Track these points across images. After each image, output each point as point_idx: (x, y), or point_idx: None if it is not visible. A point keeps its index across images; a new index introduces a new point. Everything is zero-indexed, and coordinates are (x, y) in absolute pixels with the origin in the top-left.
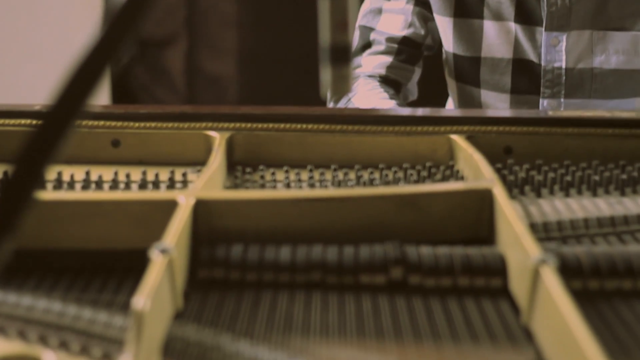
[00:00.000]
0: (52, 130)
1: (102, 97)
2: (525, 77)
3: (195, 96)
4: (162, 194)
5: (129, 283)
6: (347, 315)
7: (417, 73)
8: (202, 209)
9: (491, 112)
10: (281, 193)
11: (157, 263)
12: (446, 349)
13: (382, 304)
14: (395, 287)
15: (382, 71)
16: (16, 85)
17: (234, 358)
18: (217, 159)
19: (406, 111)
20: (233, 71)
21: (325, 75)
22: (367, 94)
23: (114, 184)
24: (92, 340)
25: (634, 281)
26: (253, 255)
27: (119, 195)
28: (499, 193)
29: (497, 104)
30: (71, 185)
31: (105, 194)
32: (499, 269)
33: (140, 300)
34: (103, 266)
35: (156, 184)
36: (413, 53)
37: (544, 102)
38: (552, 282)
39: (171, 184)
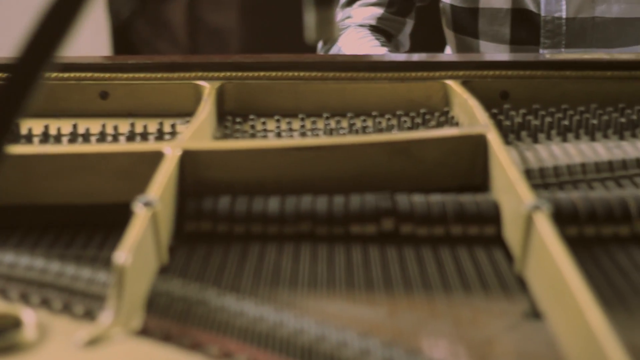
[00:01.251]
0: (19, 83)
1: (103, 52)
2: (525, 27)
3: (198, 49)
4: (148, 145)
5: (114, 238)
6: (337, 267)
7: (409, 25)
8: (188, 160)
9: (487, 57)
10: (269, 142)
11: (140, 216)
12: (438, 300)
13: (373, 255)
14: (387, 237)
15: (373, 22)
16: None
17: (219, 313)
18: (205, 109)
19: (400, 57)
20: (235, 23)
21: (309, 18)
22: (357, 42)
23: (102, 137)
24: (74, 297)
25: (631, 226)
26: (241, 207)
27: (104, 147)
28: (493, 138)
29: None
30: (58, 139)
31: (89, 147)
32: (493, 216)
33: (122, 254)
34: (88, 221)
35: (144, 136)
36: (405, 5)
37: (544, 53)
38: (545, 229)
39: (160, 136)
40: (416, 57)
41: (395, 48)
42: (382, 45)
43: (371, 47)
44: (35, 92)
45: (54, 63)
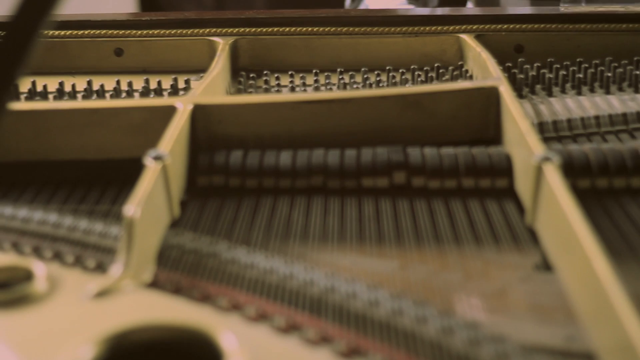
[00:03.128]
0: (16, 41)
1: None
2: None
3: (223, 8)
4: (160, 100)
5: (126, 193)
6: (348, 220)
7: None
8: (200, 115)
9: (501, 10)
10: (280, 96)
11: (150, 170)
12: (449, 252)
13: (384, 208)
14: (398, 190)
15: None
16: None
17: (229, 265)
18: (218, 65)
19: (414, 11)
20: None
21: None
22: None
23: (116, 93)
24: (86, 251)
25: None
26: (253, 161)
27: (116, 102)
28: (506, 91)
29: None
30: (72, 95)
31: (102, 102)
32: (505, 168)
33: (131, 207)
34: (101, 177)
35: (158, 92)
36: None
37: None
38: (555, 180)
39: (174, 92)
40: (429, 11)
41: (424, 4)
42: (409, 3)
43: (397, 4)
44: (33, 49)
45: (51, 21)
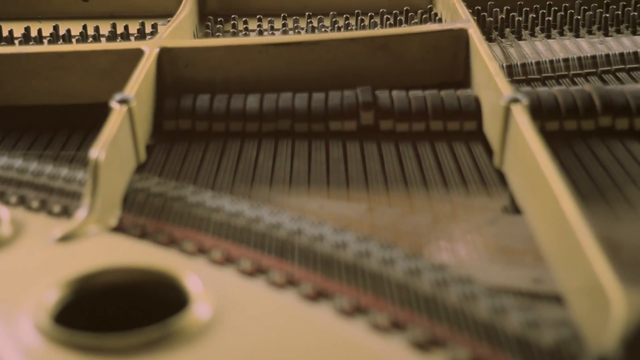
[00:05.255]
0: None
1: None
2: None
3: None
4: (126, 44)
5: (93, 138)
6: (316, 163)
7: None
8: (167, 59)
9: None
10: (247, 39)
11: (115, 113)
12: (417, 196)
13: (352, 151)
14: (366, 133)
15: None
16: None
17: (195, 209)
18: (185, 9)
19: None
20: None
21: None
22: None
23: (83, 38)
24: (51, 196)
25: (613, 120)
26: (220, 105)
27: (82, 46)
28: (474, 33)
29: None
30: (39, 41)
31: (67, 46)
32: (473, 111)
33: (96, 150)
34: (68, 122)
35: (126, 37)
36: None
37: None
38: (523, 121)
39: (141, 37)
40: None
41: None
42: None
43: None
44: None
45: None
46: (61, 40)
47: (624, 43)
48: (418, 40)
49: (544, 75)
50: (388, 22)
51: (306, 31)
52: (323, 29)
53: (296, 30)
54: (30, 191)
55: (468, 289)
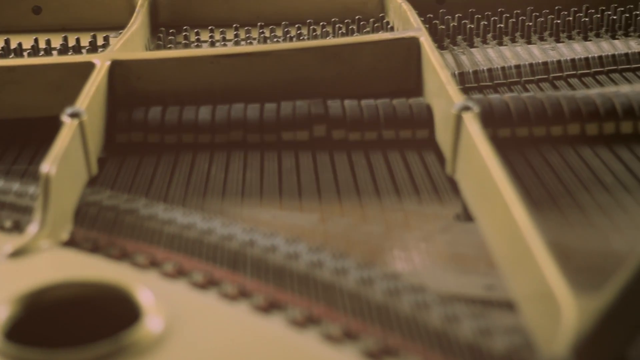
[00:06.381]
0: None
1: None
2: None
3: None
4: (77, 57)
5: (44, 152)
6: (268, 174)
7: None
8: (118, 71)
9: None
10: (199, 51)
11: (66, 127)
12: (369, 205)
13: (305, 162)
14: (318, 143)
15: None
16: None
17: (147, 222)
18: (137, 21)
19: None
20: None
21: None
22: None
23: (34, 52)
24: (3, 210)
25: (564, 127)
26: (172, 117)
27: (33, 60)
28: (426, 41)
29: None
30: None
31: (18, 60)
32: (425, 119)
33: (47, 164)
34: (19, 136)
35: (77, 50)
36: None
37: None
38: (474, 128)
39: (93, 49)
40: None
41: None
42: None
43: None
44: None
45: None
46: (12, 54)
47: (575, 49)
48: (369, 49)
49: (495, 82)
50: (340, 32)
51: (258, 41)
52: (275, 39)
53: (248, 41)
54: None
55: (420, 297)
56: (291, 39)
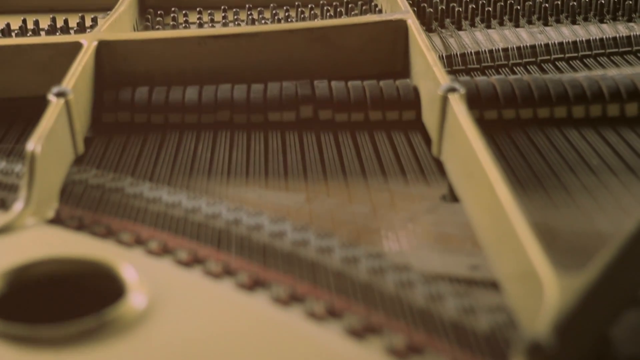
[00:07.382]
0: None
1: None
2: None
3: None
4: (64, 37)
5: (31, 131)
6: (255, 154)
7: None
8: (105, 51)
9: None
10: (186, 31)
11: (52, 106)
12: (356, 185)
13: (291, 142)
14: (305, 124)
15: None
16: None
17: (133, 200)
18: (125, 2)
19: None
20: None
21: None
22: None
23: (22, 32)
24: None
25: (550, 109)
26: (159, 97)
27: (20, 40)
28: (413, 24)
29: None
30: None
31: (6, 40)
32: (412, 100)
33: (33, 143)
34: (6, 116)
35: (65, 31)
36: None
37: None
38: (460, 110)
39: (81, 30)
40: None
41: None
42: None
43: None
44: None
45: None
46: (0, 35)
47: (563, 32)
48: (357, 31)
49: (483, 65)
50: (328, 14)
51: (246, 23)
52: (263, 21)
53: (236, 23)
54: None
55: (405, 276)
56: (279, 21)
